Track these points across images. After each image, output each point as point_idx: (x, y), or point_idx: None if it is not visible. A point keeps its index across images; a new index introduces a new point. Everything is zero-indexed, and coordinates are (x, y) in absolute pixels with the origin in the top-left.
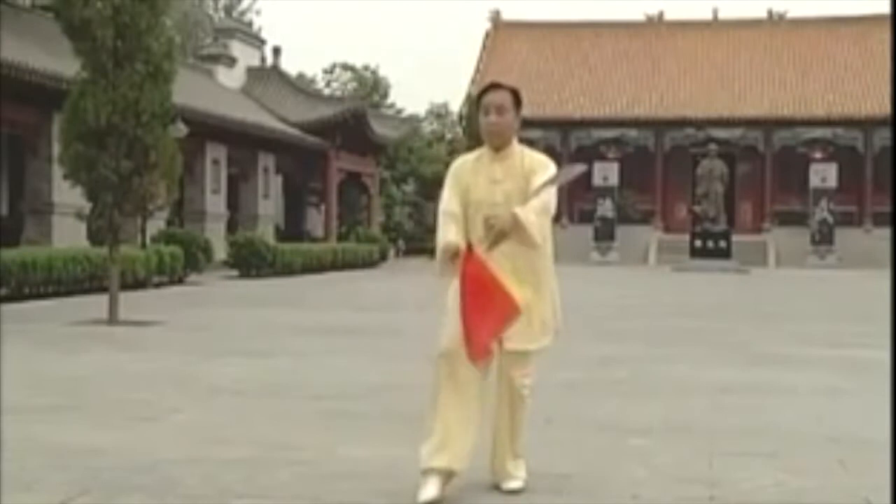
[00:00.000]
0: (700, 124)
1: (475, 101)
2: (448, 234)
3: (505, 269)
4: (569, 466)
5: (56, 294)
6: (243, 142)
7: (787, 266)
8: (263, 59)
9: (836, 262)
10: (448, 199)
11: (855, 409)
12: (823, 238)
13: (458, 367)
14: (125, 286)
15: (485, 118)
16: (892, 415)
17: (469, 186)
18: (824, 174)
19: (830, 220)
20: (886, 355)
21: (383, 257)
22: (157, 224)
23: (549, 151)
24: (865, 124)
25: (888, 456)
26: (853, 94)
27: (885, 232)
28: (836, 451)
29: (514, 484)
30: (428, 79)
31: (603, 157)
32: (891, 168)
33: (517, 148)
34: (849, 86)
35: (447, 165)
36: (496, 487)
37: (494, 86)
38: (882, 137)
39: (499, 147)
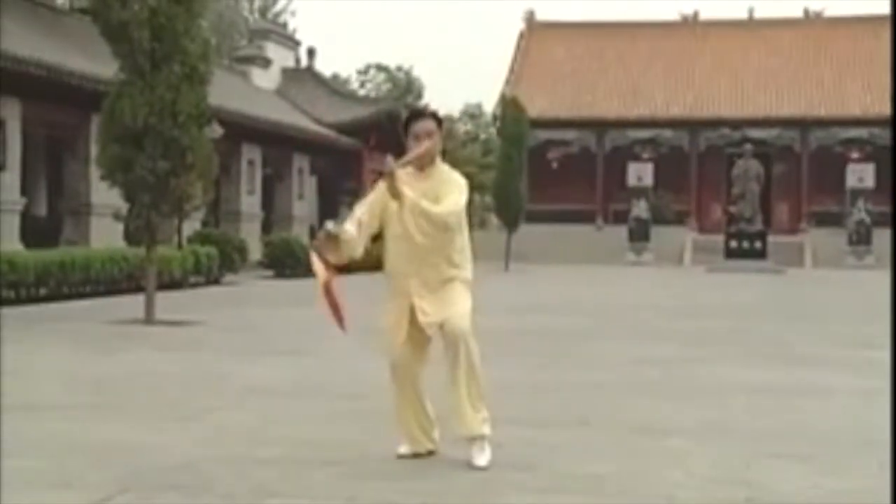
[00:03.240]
0: (735, 124)
1: (404, 128)
2: (346, 223)
3: (424, 277)
4: (604, 467)
5: (94, 294)
6: (278, 143)
7: (824, 267)
8: (298, 61)
9: (874, 263)
10: (365, 203)
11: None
12: (861, 238)
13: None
14: (162, 286)
15: (416, 143)
16: (892, 415)
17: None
18: (861, 174)
19: (867, 220)
20: None
21: None
22: (193, 225)
23: (584, 152)
24: None
25: None
26: (890, 93)
27: None
28: (874, 453)
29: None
30: (462, 79)
31: (638, 158)
32: (891, 168)
33: (440, 167)
34: (885, 85)
35: (481, 167)
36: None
37: (418, 115)
38: None
39: (425, 166)
